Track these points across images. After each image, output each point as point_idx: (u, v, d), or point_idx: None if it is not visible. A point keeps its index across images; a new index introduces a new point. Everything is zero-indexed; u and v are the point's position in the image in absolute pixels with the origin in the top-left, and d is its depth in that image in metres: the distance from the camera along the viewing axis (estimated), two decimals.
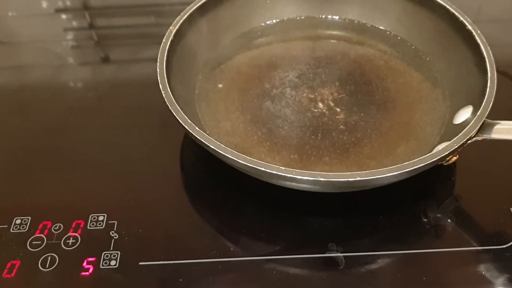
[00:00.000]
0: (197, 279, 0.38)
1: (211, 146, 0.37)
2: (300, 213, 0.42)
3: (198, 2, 0.50)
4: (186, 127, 0.39)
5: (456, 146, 0.37)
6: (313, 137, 0.45)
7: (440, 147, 0.40)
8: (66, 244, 0.40)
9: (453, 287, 0.38)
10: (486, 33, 0.46)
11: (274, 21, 0.57)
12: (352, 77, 0.51)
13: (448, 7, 0.49)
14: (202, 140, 0.37)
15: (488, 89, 0.41)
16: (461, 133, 0.38)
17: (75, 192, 0.44)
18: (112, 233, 0.40)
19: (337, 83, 0.50)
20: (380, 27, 0.56)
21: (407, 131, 0.46)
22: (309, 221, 0.41)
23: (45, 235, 0.40)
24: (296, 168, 0.42)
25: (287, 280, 0.38)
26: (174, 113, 0.39)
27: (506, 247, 0.39)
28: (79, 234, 0.40)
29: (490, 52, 0.44)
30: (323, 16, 0.57)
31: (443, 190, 0.44)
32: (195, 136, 0.38)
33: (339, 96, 0.49)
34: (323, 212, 0.42)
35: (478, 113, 0.39)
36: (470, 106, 0.43)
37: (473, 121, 0.38)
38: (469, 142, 0.38)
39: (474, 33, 0.46)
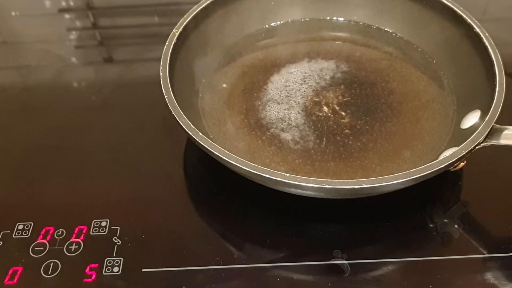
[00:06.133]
0: (200, 286, 0.37)
1: (215, 152, 0.37)
2: (304, 220, 0.41)
3: (202, 4, 0.49)
4: (189, 132, 0.38)
5: (464, 153, 0.36)
6: (317, 141, 0.44)
7: (448, 153, 0.39)
8: (68, 250, 0.40)
9: None
10: (492, 33, 0.45)
11: (279, 23, 0.56)
12: (357, 80, 0.50)
13: (455, 8, 0.48)
14: (206, 146, 0.37)
15: (496, 94, 0.40)
16: (469, 139, 0.37)
17: (78, 196, 0.44)
18: (115, 239, 0.40)
19: (342, 86, 0.49)
20: (386, 29, 0.55)
21: (413, 136, 0.45)
22: (313, 227, 0.41)
23: (47, 241, 0.40)
24: (301, 173, 0.42)
25: (292, 287, 0.37)
26: (177, 118, 0.39)
27: None
28: (81, 240, 0.40)
29: (499, 55, 0.43)
30: (328, 18, 0.56)
31: (450, 195, 0.43)
32: (198, 142, 0.38)
33: (344, 99, 0.48)
34: (328, 218, 0.41)
35: (487, 118, 0.38)
36: (478, 110, 0.42)
37: (481, 126, 0.38)
38: (477, 148, 0.37)
39: (482, 36, 0.45)
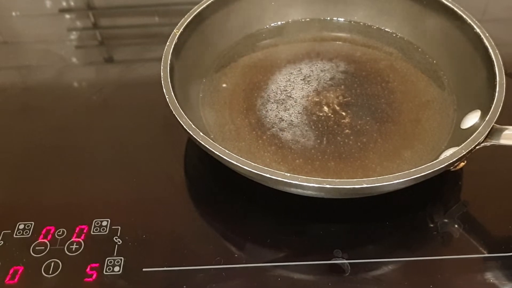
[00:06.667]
0: (201, 286, 0.37)
1: (215, 152, 0.37)
2: (305, 219, 0.41)
3: (203, 4, 0.49)
4: (190, 132, 0.38)
5: (465, 152, 0.36)
6: (318, 141, 0.44)
7: (448, 152, 0.40)
8: (69, 250, 0.40)
9: None
10: (492, 33, 0.45)
11: (279, 23, 0.56)
12: (358, 80, 0.50)
13: (455, 8, 0.48)
14: (207, 146, 0.37)
15: (496, 94, 0.40)
16: (469, 139, 0.37)
17: (79, 196, 0.44)
18: (116, 238, 0.40)
19: (342, 86, 0.50)
20: (386, 29, 0.55)
21: (414, 136, 0.45)
22: (314, 227, 0.41)
23: (48, 241, 0.40)
24: (301, 173, 0.42)
25: (292, 287, 0.37)
26: (178, 118, 0.39)
27: None
28: (82, 240, 0.40)
29: (499, 55, 0.43)
30: (328, 18, 0.56)
31: (450, 195, 0.43)
32: (199, 142, 0.38)
33: (345, 99, 0.48)
34: (329, 218, 0.41)
35: (487, 118, 0.38)
36: (478, 110, 0.42)
37: (481, 126, 0.38)
38: (477, 148, 0.38)
39: (482, 36, 0.45)
